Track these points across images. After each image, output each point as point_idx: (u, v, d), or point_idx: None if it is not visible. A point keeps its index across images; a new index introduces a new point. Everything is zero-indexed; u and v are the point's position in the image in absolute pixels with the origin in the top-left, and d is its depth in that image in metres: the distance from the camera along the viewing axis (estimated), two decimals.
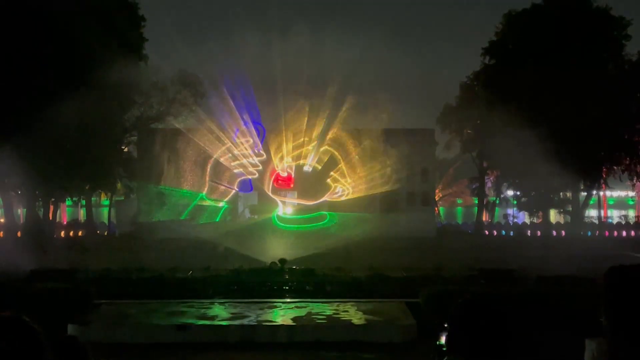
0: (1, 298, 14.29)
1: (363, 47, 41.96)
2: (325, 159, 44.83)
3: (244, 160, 44.68)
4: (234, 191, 46.48)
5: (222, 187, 46.10)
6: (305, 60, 39.65)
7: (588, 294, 12.81)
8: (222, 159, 44.45)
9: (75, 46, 34.34)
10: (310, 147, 44.29)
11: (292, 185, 45.90)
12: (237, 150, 44.24)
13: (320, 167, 44.96)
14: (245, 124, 43.77)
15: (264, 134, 44.18)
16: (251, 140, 44.19)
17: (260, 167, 44.42)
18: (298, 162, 45.03)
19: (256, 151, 44.60)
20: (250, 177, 45.08)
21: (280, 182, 45.10)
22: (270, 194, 45.25)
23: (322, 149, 44.52)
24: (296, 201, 46.35)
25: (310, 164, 44.94)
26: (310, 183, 45.07)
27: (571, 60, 38.43)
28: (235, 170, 45.12)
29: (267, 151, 43.76)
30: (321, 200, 45.32)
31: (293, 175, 45.42)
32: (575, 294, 14.45)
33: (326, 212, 43.99)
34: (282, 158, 44.32)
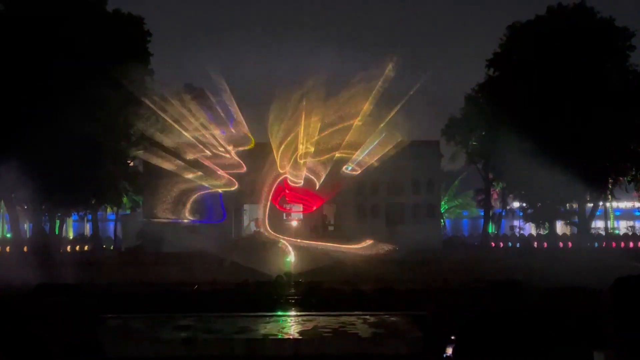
0: (8, 312, 14.31)
1: (364, 58, 41.31)
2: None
3: (207, 153, 27.60)
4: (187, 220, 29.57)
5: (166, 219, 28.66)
6: (307, 65, 37.55)
7: (595, 306, 12.75)
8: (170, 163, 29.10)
9: (82, 61, 34.66)
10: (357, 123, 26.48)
11: (314, 208, 29.18)
12: (191, 132, 27.48)
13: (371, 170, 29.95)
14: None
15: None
16: (218, 112, 27.07)
17: (245, 169, 28.94)
18: (331, 154, 27.59)
19: (233, 131, 27.32)
20: (218, 190, 28.56)
21: (289, 197, 29.12)
22: (266, 230, 28.06)
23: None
24: (332, 245, 26.93)
25: (358, 162, 28.08)
26: (359, 202, 29.70)
27: (575, 71, 38.49)
28: (189, 176, 28.27)
29: (263, 150, 28.45)
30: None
31: (317, 187, 27.59)
32: (582, 306, 14.36)
33: None
34: (294, 152, 26.84)
